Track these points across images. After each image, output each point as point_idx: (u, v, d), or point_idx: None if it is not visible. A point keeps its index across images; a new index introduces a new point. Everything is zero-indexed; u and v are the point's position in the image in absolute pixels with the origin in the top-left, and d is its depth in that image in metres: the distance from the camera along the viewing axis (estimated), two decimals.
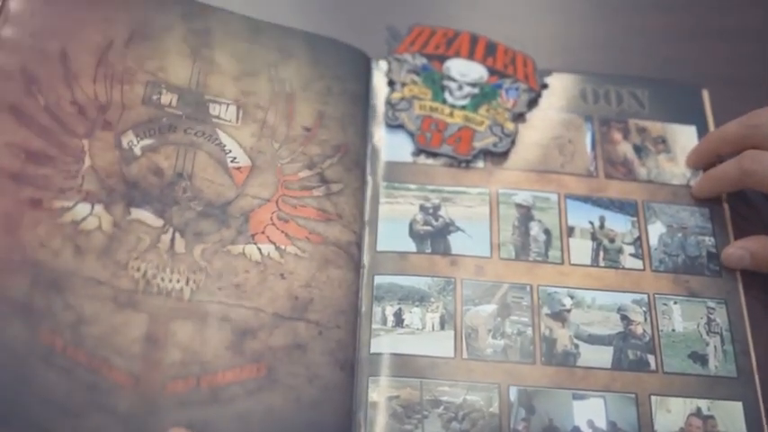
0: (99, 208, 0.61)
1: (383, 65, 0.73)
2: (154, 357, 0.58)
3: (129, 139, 0.64)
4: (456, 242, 0.66)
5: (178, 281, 0.60)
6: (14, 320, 0.56)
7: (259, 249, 0.63)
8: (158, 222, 0.62)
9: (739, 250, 0.66)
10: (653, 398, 0.61)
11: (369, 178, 0.68)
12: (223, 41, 0.70)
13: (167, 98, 0.66)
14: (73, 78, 0.65)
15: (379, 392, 0.60)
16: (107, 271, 0.59)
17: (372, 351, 0.61)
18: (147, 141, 0.64)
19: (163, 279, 0.60)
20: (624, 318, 0.64)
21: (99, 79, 0.65)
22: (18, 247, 0.58)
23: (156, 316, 0.59)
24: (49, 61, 0.65)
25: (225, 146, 0.66)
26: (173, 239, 0.61)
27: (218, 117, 0.67)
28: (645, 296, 0.65)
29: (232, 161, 0.65)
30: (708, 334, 0.63)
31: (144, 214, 0.62)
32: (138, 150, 0.64)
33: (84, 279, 0.58)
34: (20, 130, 0.62)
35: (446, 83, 0.73)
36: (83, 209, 0.60)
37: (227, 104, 0.68)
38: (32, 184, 0.60)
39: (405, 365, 0.61)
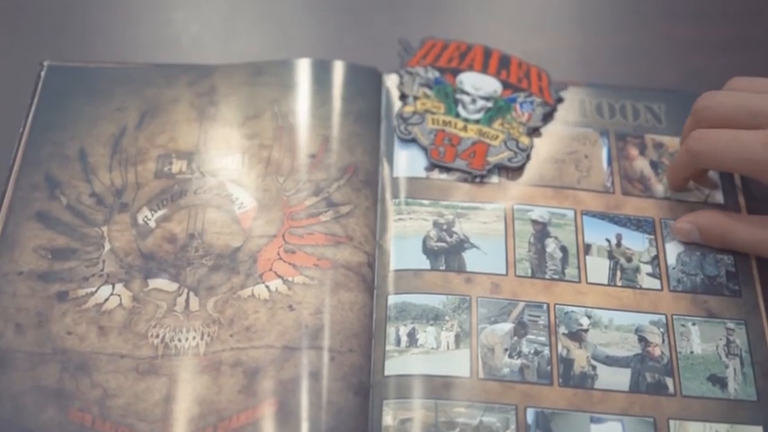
0: (119, 286, 0.63)
1: (394, 78, 0.73)
2: (174, 416, 0.59)
3: (144, 215, 0.66)
4: (471, 259, 0.65)
5: (194, 338, 0.61)
6: (47, 406, 0.59)
7: (267, 287, 0.63)
8: (173, 286, 0.63)
9: (688, 225, 0.66)
10: (671, 422, 0.60)
11: (386, 195, 0.68)
12: (227, 93, 0.71)
13: (178, 166, 0.68)
14: (91, 172, 0.67)
15: (394, 415, 0.59)
16: (129, 343, 0.61)
17: (386, 374, 0.61)
18: (161, 212, 0.66)
19: (180, 340, 0.61)
20: (642, 339, 0.63)
21: (114, 167, 0.68)
22: (48, 339, 0.61)
23: (175, 376, 0.60)
24: (69, 162, 0.68)
25: (232, 195, 0.67)
26: (187, 299, 0.63)
27: (225, 168, 0.68)
28: (663, 317, 0.64)
29: (239, 207, 0.66)
30: (727, 356, 0.62)
31: (160, 282, 0.63)
32: (152, 223, 0.65)
33: (108, 356, 0.60)
34: (46, 233, 0.65)
35: (459, 96, 0.72)
36: (105, 291, 0.63)
37: (233, 154, 0.68)
38: (59, 279, 0.63)
39: (419, 386, 0.60)
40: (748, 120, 0.63)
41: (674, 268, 0.66)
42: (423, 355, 0.62)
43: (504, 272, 0.65)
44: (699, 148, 0.64)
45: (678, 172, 0.68)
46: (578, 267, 0.65)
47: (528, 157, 0.70)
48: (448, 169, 0.69)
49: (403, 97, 0.72)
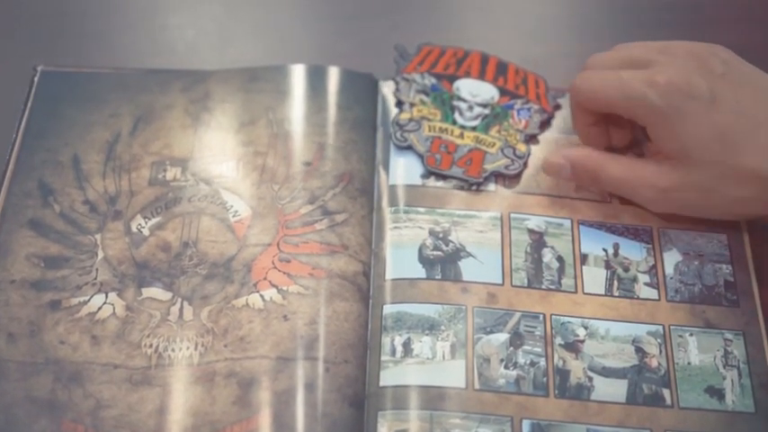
0: (113, 295, 0.63)
1: (390, 85, 0.72)
2: (168, 427, 0.58)
3: (137, 223, 0.65)
4: (467, 268, 0.65)
5: (188, 348, 0.61)
6: (40, 418, 0.58)
7: (261, 296, 0.62)
8: (167, 296, 0.63)
9: (561, 159, 0.66)
10: None
11: (382, 203, 0.67)
12: (222, 99, 0.71)
13: (172, 173, 0.67)
14: (84, 179, 0.67)
15: (389, 427, 0.59)
16: (122, 353, 0.60)
17: (381, 384, 0.60)
18: (155, 220, 0.65)
19: (174, 350, 0.61)
20: (639, 350, 0.62)
21: (108, 174, 0.67)
22: (41, 349, 0.61)
23: (168, 387, 0.59)
24: (63, 169, 0.68)
25: (227, 202, 0.66)
26: (181, 309, 0.62)
27: (219, 176, 0.67)
28: (660, 327, 0.63)
29: (234, 215, 0.66)
30: (724, 367, 0.62)
31: (154, 291, 0.63)
32: (146, 231, 0.65)
33: (102, 366, 0.60)
34: (39, 240, 0.64)
35: (456, 103, 0.71)
36: (98, 300, 0.62)
37: (228, 161, 0.68)
38: (52, 288, 0.63)
39: (414, 397, 0.60)
40: (631, 67, 0.64)
41: (671, 278, 0.65)
42: (418, 365, 0.61)
43: (500, 281, 0.65)
44: (583, 86, 0.65)
45: (573, 114, 0.68)
46: (575, 277, 0.65)
47: (525, 165, 0.69)
48: (444, 177, 0.69)
49: (399, 104, 0.71)
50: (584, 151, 0.67)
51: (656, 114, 0.62)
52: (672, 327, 0.63)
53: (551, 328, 0.63)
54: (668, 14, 0.79)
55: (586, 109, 0.66)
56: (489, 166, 0.69)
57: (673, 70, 0.62)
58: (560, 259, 0.66)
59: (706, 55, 0.64)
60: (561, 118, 0.72)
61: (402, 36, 0.75)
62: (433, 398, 0.60)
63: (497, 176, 0.69)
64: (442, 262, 0.65)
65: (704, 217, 0.66)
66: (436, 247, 0.66)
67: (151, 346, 0.61)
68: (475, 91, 0.72)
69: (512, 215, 0.67)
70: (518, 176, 0.69)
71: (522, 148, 0.70)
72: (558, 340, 0.63)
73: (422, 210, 0.67)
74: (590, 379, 0.61)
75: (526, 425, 0.59)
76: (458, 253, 0.65)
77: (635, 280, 0.65)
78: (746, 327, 0.63)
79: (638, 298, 0.64)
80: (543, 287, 0.64)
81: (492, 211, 0.67)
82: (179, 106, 0.70)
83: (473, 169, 0.69)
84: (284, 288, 0.63)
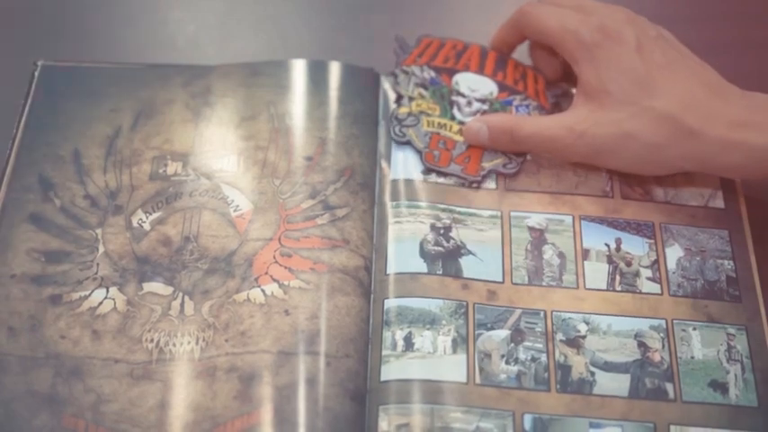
0: (113, 290, 0.62)
1: (390, 78, 0.72)
2: (169, 422, 0.58)
3: (138, 217, 0.65)
4: (467, 265, 0.65)
5: (189, 342, 0.61)
6: (40, 412, 0.58)
7: (263, 291, 0.62)
8: (168, 290, 0.62)
9: (477, 123, 0.68)
10: (672, 428, 0.59)
11: (384, 198, 0.67)
12: (223, 94, 0.71)
13: (173, 168, 0.67)
14: (85, 174, 0.67)
15: (389, 421, 0.59)
16: (123, 348, 0.60)
17: (383, 379, 0.60)
18: (156, 215, 0.65)
19: (175, 344, 0.60)
20: (641, 344, 0.62)
21: (109, 168, 0.67)
22: (41, 343, 0.60)
23: (169, 382, 0.59)
24: (63, 164, 0.67)
25: (227, 197, 0.66)
26: (182, 303, 0.62)
27: (220, 170, 0.67)
28: (662, 322, 0.63)
29: (235, 210, 0.66)
30: (728, 361, 0.62)
31: (155, 286, 0.63)
32: (147, 226, 0.65)
33: (102, 360, 0.60)
34: (39, 235, 0.64)
35: (455, 98, 0.71)
36: (99, 294, 0.62)
37: (229, 156, 0.68)
38: (52, 283, 0.63)
39: (415, 391, 0.60)
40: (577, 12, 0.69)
41: (674, 273, 0.65)
42: (419, 359, 0.61)
43: (500, 280, 0.64)
44: (530, 11, 0.70)
45: (503, 28, 0.73)
46: (576, 273, 0.65)
47: (523, 163, 0.69)
48: (443, 174, 0.68)
49: (398, 99, 0.71)
50: (499, 114, 0.70)
51: (582, 49, 0.67)
52: (675, 321, 0.63)
53: (552, 324, 0.63)
54: (668, 9, 0.79)
55: (517, 25, 0.71)
56: (487, 164, 0.69)
57: (608, 19, 0.67)
58: (561, 255, 0.65)
59: (646, 23, 0.69)
60: None
61: (403, 31, 0.74)
62: (435, 392, 0.60)
63: (498, 174, 0.69)
64: (443, 257, 0.65)
65: (622, 169, 0.67)
66: (437, 243, 0.65)
67: (152, 340, 0.61)
68: (474, 86, 0.72)
69: (512, 213, 0.67)
70: (517, 174, 0.69)
71: None
72: (560, 336, 0.62)
73: (423, 204, 0.67)
74: (592, 374, 0.61)
75: (528, 419, 0.59)
76: (458, 250, 0.65)
77: (637, 274, 0.65)
78: (749, 322, 0.63)
79: (640, 292, 0.64)
80: (544, 284, 0.64)
81: (492, 210, 0.67)
82: (180, 101, 0.70)
83: (471, 167, 0.69)
84: (285, 283, 0.62)
